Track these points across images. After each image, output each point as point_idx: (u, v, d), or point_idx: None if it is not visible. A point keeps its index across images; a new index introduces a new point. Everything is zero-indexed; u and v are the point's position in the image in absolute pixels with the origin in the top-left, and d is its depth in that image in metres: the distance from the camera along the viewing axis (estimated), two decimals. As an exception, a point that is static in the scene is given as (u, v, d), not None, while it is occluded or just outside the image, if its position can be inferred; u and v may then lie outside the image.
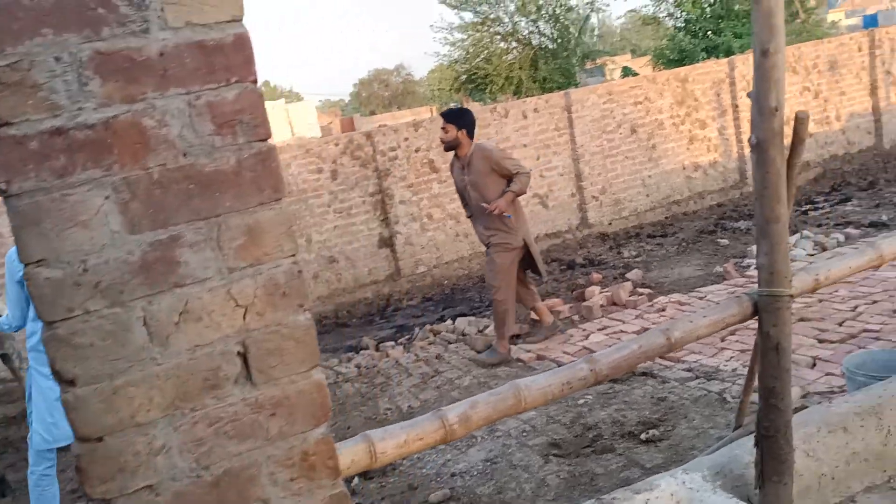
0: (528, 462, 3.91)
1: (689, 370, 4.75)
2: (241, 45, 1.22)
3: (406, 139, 9.17)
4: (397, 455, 1.82)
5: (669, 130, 10.74)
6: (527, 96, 16.87)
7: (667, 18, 20.59)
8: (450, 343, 6.39)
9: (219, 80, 1.20)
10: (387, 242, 9.18)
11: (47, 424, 3.97)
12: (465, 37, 21.05)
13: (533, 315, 6.23)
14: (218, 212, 1.21)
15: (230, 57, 1.21)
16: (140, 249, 1.16)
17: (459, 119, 5.59)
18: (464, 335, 6.52)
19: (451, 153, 5.77)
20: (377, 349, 6.64)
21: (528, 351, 5.78)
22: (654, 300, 6.48)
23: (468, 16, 20.68)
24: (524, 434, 4.26)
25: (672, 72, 11.10)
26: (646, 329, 5.61)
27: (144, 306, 1.17)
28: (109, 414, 1.15)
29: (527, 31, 20.51)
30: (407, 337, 6.94)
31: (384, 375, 5.77)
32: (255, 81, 1.23)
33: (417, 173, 9.20)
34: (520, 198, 5.73)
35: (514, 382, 2.00)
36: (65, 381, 1.13)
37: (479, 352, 5.95)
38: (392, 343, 6.72)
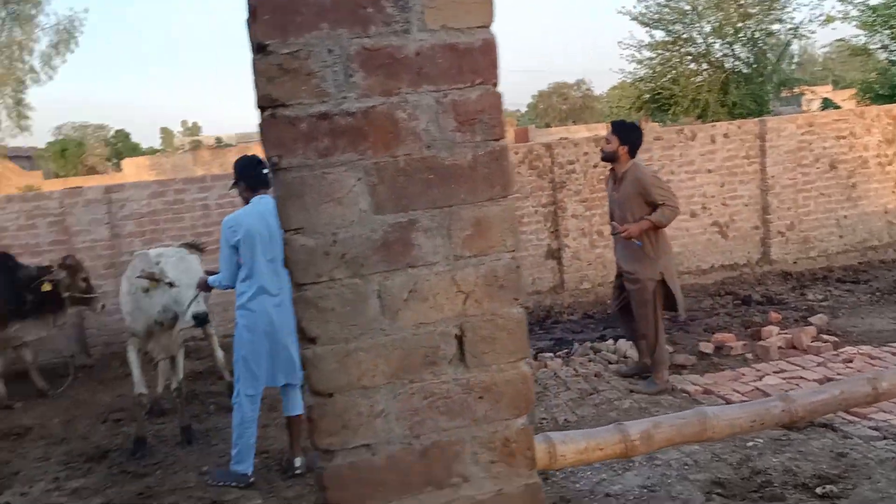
0: (689, 496, 3.77)
1: (875, 428, 4.36)
2: (488, 50, 1.31)
3: (585, 153, 9.11)
4: (575, 461, 1.84)
5: (874, 170, 9.89)
6: (713, 121, 16.16)
7: (879, 51, 18.92)
8: (610, 363, 6.28)
9: (465, 80, 1.29)
10: (554, 254, 9.16)
11: (249, 375, 4.49)
12: (654, 55, 20.50)
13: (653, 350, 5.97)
14: (451, 202, 1.30)
15: (478, 60, 1.29)
16: (382, 229, 1.27)
17: (625, 133, 5.41)
18: (625, 357, 6.38)
19: (608, 166, 5.69)
20: (535, 359, 6.65)
21: (695, 384, 5.55)
22: (840, 349, 6.00)
23: (659, 34, 20.13)
24: (685, 467, 4.11)
25: (884, 108, 10.21)
26: (829, 379, 5.21)
27: (381, 281, 1.28)
28: (341, 374, 1.27)
29: (720, 54, 19.64)
30: (566, 350, 6.90)
31: (541, 385, 5.77)
32: (496, 84, 1.31)
33: (592, 189, 9.11)
34: (670, 228, 5.57)
35: (701, 409, 1.95)
36: (307, 339, 1.26)
37: (624, 376, 5.82)
38: (550, 355, 6.70)
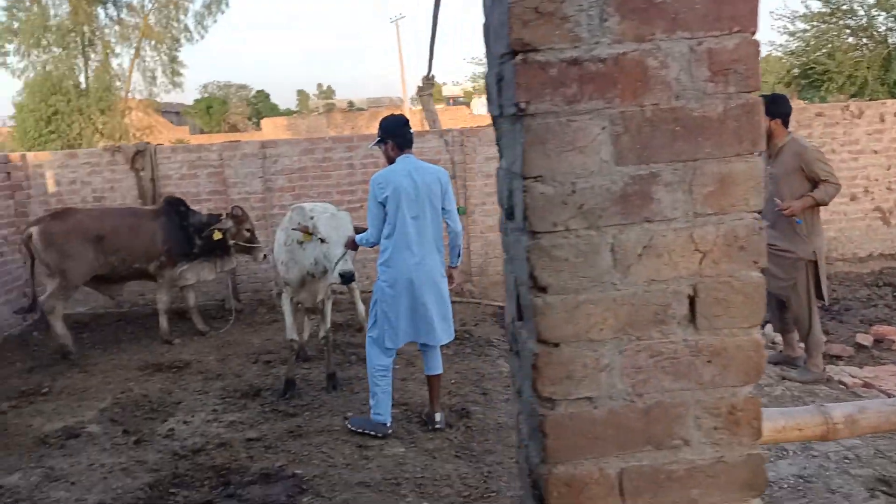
0: (849, 491, 3.56)
1: None
2: (748, -5, 1.23)
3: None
4: (770, 440, 1.76)
5: None
6: (870, 99, 14.91)
7: None
8: (757, 347, 6.00)
9: (722, 27, 1.22)
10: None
11: (389, 329, 4.60)
12: (808, 27, 19.08)
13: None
14: (696, 156, 1.24)
15: (737, 6, 1.22)
16: (622, 181, 1.24)
17: (773, 107, 5.07)
18: (773, 343, 6.07)
19: None
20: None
21: (853, 377, 5.21)
22: None
23: (816, 5, 18.70)
24: (846, 461, 3.88)
25: None
26: None
27: (615, 234, 1.25)
28: (569, 324, 1.26)
29: (884, 28, 18.01)
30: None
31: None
32: (754, 32, 1.23)
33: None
34: (824, 209, 5.21)
35: (915, 396, 1.81)
36: (538, 288, 1.26)
37: (771, 363, 5.53)
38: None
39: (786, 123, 5.18)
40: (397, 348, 4.67)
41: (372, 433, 4.64)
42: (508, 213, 1.41)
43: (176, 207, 7.07)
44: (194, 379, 5.99)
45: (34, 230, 6.57)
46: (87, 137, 28.05)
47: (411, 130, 4.67)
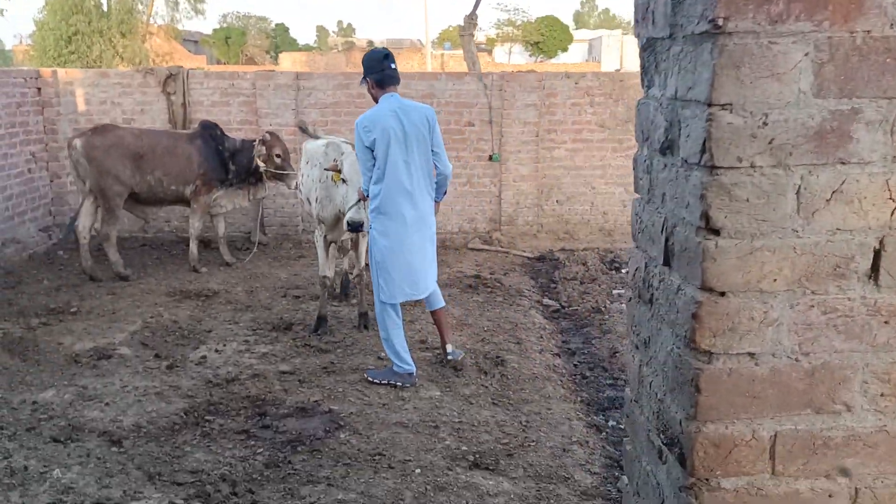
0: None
1: None
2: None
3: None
4: None
5: None
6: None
7: None
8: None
9: (952, -53, 1.07)
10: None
11: (386, 282, 4.42)
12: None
13: None
14: (904, 94, 1.11)
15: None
16: (820, 115, 1.11)
17: None
18: None
19: None
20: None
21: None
22: None
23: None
24: None
25: None
26: None
27: (804, 175, 1.13)
28: (739, 272, 1.14)
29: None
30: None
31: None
32: None
33: None
34: None
35: None
36: (709, 229, 1.14)
37: None
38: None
39: None
40: (400, 301, 4.50)
41: (398, 384, 4.48)
42: (664, 148, 1.28)
43: (211, 132, 6.94)
44: (223, 309, 5.95)
45: (78, 142, 6.47)
46: (107, 60, 27.70)
47: (393, 65, 4.35)
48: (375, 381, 4.53)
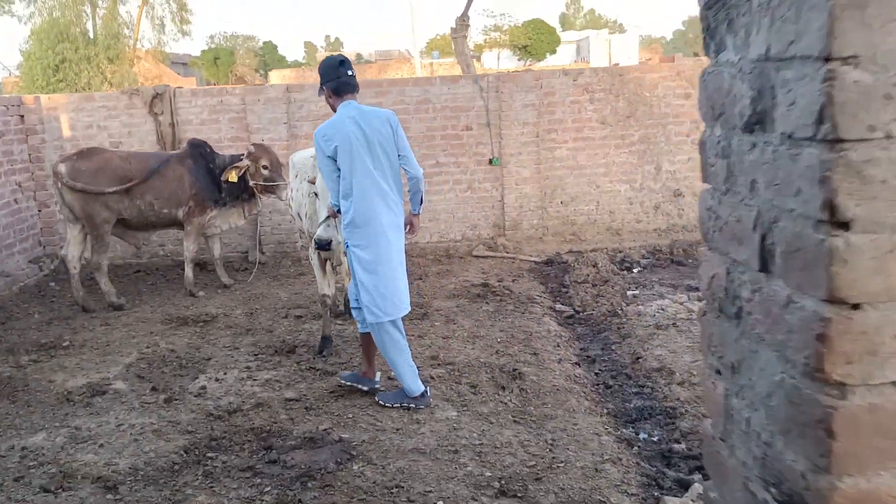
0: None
1: None
2: None
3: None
4: None
5: None
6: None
7: None
8: None
9: None
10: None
11: (381, 299, 4.07)
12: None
13: None
14: None
15: None
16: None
17: None
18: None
19: None
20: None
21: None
22: None
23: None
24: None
25: None
26: None
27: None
28: (878, 276, 0.87)
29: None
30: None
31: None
32: None
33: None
34: None
35: None
36: (835, 223, 0.87)
37: None
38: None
39: None
40: (398, 317, 4.15)
41: (412, 406, 4.19)
42: (751, 124, 1.01)
43: (200, 150, 6.67)
44: (223, 334, 5.66)
45: (62, 167, 6.20)
46: (96, 86, 27.48)
47: (350, 72, 4.09)
48: (387, 404, 4.24)
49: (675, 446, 3.78)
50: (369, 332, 4.25)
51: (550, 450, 3.69)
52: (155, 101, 7.87)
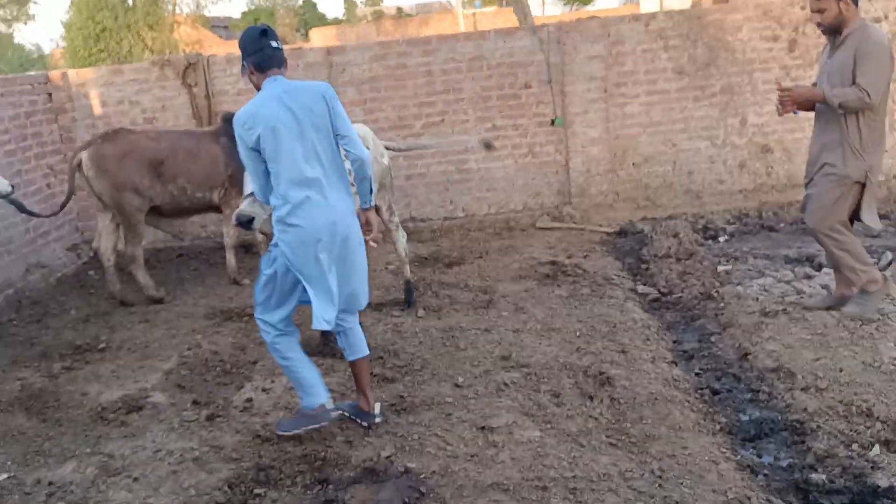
0: None
1: None
2: None
3: (898, 10, 7.13)
4: None
5: None
6: None
7: None
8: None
9: None
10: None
11: (280, 302, 3.56)
12: None
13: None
14: None
15: None
16: None
17: None
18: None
19: None
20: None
21: None
22: None
23: None
24: None
25: None
26: None
27: None
28: None
29: None
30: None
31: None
32: None
33: None
34: (879, 122, 4.12)
35: None
36: None
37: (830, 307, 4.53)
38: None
39: (856, 2, 4.07)
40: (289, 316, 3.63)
41: (315, 426, 3.58)
42: None
43: None
44: (269, 331, 5.12)
45: (84, 155, 5.67)
46: (137, 54, 27.22)
47: (274, 44, 3.37)
48: (288, 433, 3.59)
49: (813, 476, 3.10)
50: (359, 360, 3.73)
51: (660, 485, 3.05)
52: (188, 70, 7.30)
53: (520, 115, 7.38)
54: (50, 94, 7.28)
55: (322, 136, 3.39)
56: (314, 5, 62.83)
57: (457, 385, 4.09)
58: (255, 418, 3.90)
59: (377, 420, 3.69)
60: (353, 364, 3.74)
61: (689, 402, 3.78)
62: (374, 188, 3.67)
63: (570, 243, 6.77)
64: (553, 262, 6.13)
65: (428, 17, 45.00)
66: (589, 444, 3.41)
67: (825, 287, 4.96)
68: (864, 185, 4.18)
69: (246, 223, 3.69)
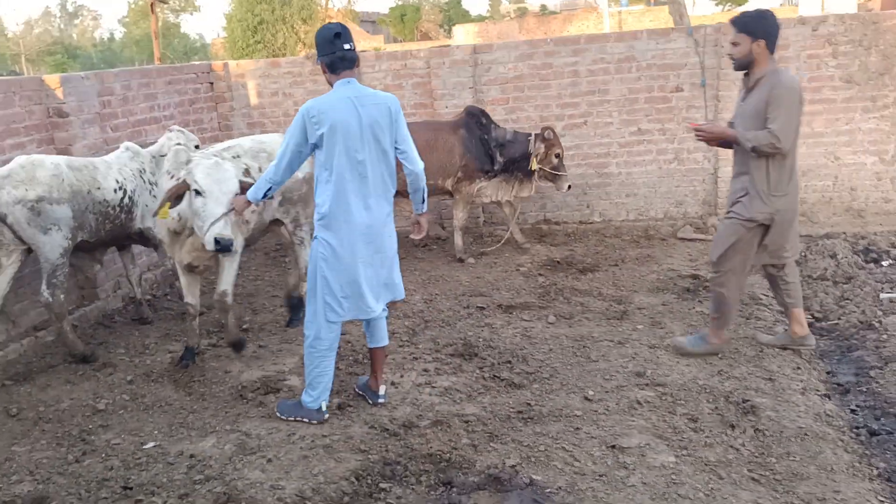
0: None
1: None
2: None
3: None
4: None
5: None
6: None
7: None
8: None
9: None
10: None
11: (331, 298, 3.67)
12: None
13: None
14: None
15: None
16: None
17: (754, 26, 4.00)
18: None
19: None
20: None
21: None
22: None
23: None
24: None
25: None
26: None
27: None
28: None
29: None
30: None
31: None
32: None
33: None
34: (787, 165, 4.05)
35: None
36: None
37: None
38: None
39: (770, 47, 4.02)
40: (341, 321, 3.79)
41: (305, 420, 3.86)
42: None
43: (477, 120, 6.44)
44: (400, 325, 5.19)
45: None
46: (291, 47, 28.61)
47: (347, 46, 3.52)
48: (283, 416, 3.91)
49: None
50: (378, 348, 4.03)
51: (807, 531, 2.82)
52: (338, 66, 7.53)
53: (668, 119, 7.08)
54: (212, 84, 7.73)
55: (378, 146, 3.60)
56: (458, 2, 63.54)
57: (587, 398, 3.97)
58: (384, 412, 3.95)
59: (381, 401, 4.00)
60: (371, 351, 4.04)
61: (842, 441, 3.47)
62: (426, 198, 3.93)
63: (714, 257, 6.41)
64: (694, 276, 5.84)
65: (572, 14, 44.36)
66: (728, 476, 3.20)
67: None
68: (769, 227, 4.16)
69: (228, 246, 3.84)
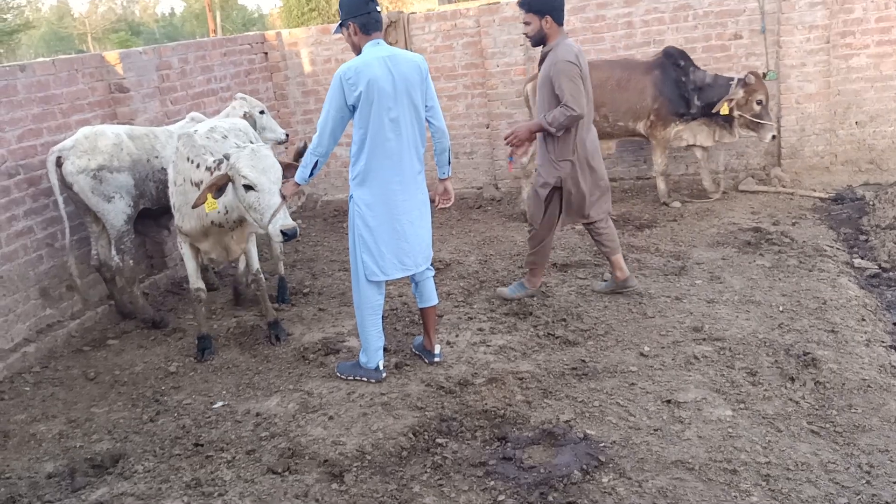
0: None
1: None
2: None
3: None
4: None
5: None
6: None
7: None
8: None
9: None
10: None
11: (370, 259, 3.74)
12: None
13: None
14: None
15: None
16: None
17: (539, 5, 4.21)
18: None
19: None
20: None
21: None
22: None
23: None
24: None
25: None
26: None
27: None
28: None
29: None
30: None
31: None
32: None
33: None
34: (568, 135, 4.33)
35: None
36: None
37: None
38: None
39: (558, 19, 4.25)
40: (385, 281, 3.88)
41: (364, 379, 3.97)
42: None
43: (675, 61, 6.28)
44: (455, 286, 5.25)
45: (529, 87, 6.31)
46: (344, 13, 28.54)
47: (378, 7, 3.63)
48: (342, 376, 4.03)
49: None
50: (428, 308, 4.08)
51: (868, 482, 2.78)
52: (389, 29, 7.53)
53: (727, 69, 6.85)
54: (266, 54, 7.84)
55: (411, 104, 3.65)
56: (512, -43, 62.18)
57: (642, 354, 3.96)
58: (440, 370, 4.03)
59: (437, 360, 4.09)
60: (422, 310, 4.09)
61: (909, 393, 3.38)
62: (451, 160, 3.99)
63: (777, 209, 6.24)
64: (756, 229, 5.70)
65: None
66: (787, 429, 3.17)
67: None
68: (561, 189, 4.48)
69: (295, 233, 3.79)
